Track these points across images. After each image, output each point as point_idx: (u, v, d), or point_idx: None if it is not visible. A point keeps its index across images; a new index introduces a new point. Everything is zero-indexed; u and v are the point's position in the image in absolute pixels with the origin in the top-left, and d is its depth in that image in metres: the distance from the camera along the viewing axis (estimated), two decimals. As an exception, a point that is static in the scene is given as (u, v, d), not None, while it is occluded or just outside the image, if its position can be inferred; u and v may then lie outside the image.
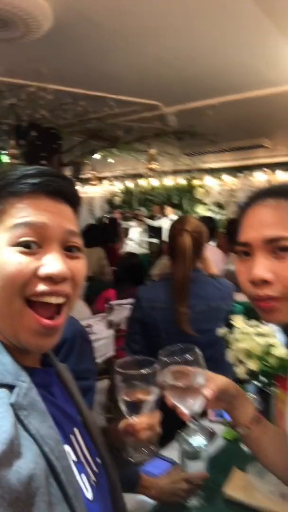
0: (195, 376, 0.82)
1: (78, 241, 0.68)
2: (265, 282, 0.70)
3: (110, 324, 2.97)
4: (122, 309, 3.05)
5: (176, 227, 1.86)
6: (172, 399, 0.82)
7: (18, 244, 0.62)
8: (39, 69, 3.44)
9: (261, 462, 0.92)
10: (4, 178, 0.66)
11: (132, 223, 9.47)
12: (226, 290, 1.90)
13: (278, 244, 0.71)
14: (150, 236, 9.16)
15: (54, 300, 0.63)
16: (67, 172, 5.58)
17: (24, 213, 0.63)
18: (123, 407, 0.80)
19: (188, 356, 0.82)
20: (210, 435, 0.83)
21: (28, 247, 0.62)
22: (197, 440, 0.83)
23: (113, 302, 3.13)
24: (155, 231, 8.95)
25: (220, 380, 0.86)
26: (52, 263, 0.62)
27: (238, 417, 0.89)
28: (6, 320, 0.63)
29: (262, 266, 0.71)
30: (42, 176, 0.66)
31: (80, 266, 0.68)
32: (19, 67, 3.54)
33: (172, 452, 1.43)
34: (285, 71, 3.72)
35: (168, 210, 8.91)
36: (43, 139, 4.96)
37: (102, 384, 2.72)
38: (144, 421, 0.79)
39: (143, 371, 0.77)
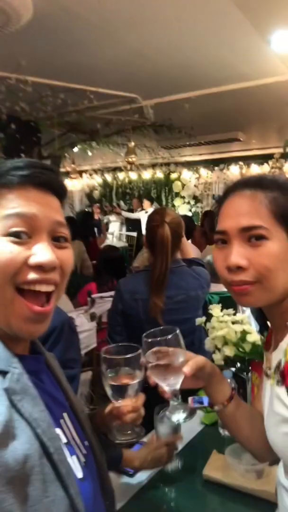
0: (176, 355, 0.86)
1: (66, 232, 0.72)
2: (240, 269, 0.75)
3: (92, 317, 2.99)
4: (104, 302, 3.08)
5: (155, 219, 1.86)
6: (154, 378, 0.86)
7: (9, 234, 0.64)
8: (18, 61, 3.39)
9: (236, 438, 0.98)
10: None
11: (112, 217, 9.46)
12: (204, 279, 1.95)
13: (253, 232, 0.75)
14: (129, 230, 9.17)
15: (44, 288, 0.66)
16: (47, 165, 5.52)
17: (14, 204, 0.65)
18: (109, 391, 0.84)
19: (169, 337, 0.86)
20: (190, 412, 0.88)
21: (19, 237, 0.64)
22: (177, 416, 0.88)
23: (95, 295, 3.15)
24: (133, 224, 8.96)
25: (199, 359, 0.90)
26: (42, 252, 0.65)
27: (215, 395, 0.94)
28: None
29: (238, 253, 0.76)
30: (30, 168, 0.68)
31: (68, 255, 0.71)
32: (-3, 59, 3.50)
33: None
34: (259, 66, 3.80)
35: (146, 203, 8.94)
36: (23, 132, 4.90)
37: (85, 376, 2.75)
38: (129, 404, 0.83)
39: (127, 355, 0.81)
